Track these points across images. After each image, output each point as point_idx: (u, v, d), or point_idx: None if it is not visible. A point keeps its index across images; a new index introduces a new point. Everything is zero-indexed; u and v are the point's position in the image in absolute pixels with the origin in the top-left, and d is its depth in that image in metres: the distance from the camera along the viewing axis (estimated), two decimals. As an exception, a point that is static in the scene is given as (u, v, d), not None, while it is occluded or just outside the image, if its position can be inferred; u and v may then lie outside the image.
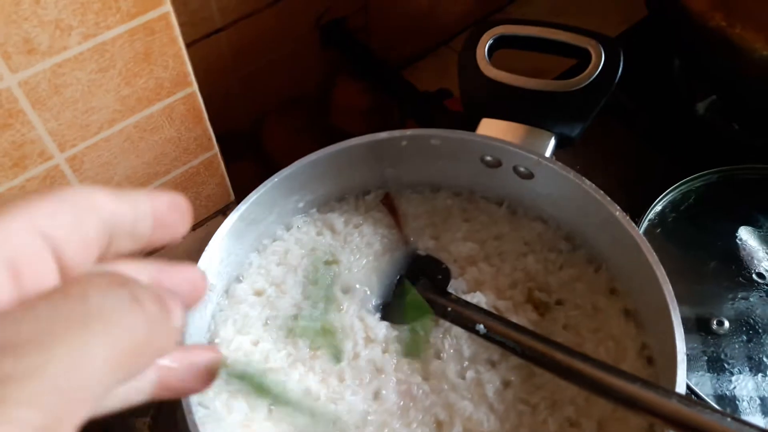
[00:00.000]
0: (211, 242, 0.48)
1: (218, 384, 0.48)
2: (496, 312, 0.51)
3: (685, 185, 0.66)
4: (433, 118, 0.80)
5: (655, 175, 0.71)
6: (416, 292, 0.51)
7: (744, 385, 0.55)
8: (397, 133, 0.53)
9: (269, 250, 0.55)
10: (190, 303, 0.28)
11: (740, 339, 0.57)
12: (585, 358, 0.42)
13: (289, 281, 0.53)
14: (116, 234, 0.25)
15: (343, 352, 0.49)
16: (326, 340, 0.50)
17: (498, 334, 0.46)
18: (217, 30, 0.76)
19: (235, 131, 0.83)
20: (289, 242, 0.56)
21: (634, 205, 0.60)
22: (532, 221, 0.57)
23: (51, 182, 0.48)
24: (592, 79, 0.53)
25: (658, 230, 0.64)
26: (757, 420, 0.54)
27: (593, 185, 0.49)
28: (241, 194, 0.54)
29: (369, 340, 0.51)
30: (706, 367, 0.57)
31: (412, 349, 0.50)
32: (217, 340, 0.50)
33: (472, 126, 0.56)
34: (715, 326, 0.58)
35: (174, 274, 0.28)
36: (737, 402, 0.55)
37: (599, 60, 0.53)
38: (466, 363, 0.49)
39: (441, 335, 0.51)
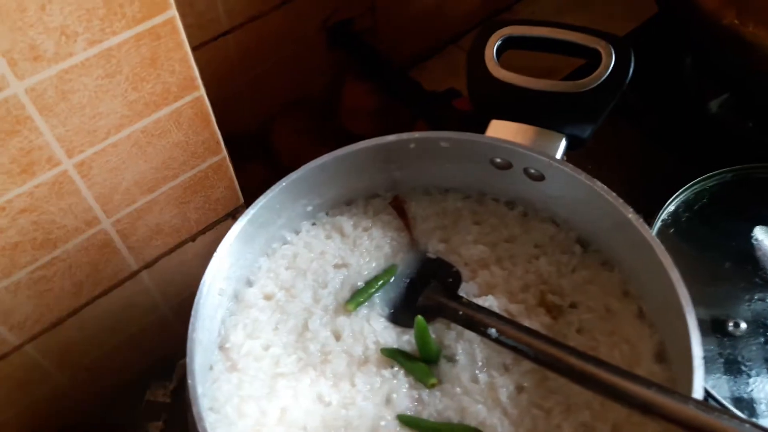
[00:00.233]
0: (220, 246, 0.48)
1: (229, 388, 0.48)
2: (508, 316, 0.50)
3: (698, 185, 0.65)
4: (442, 119, 0.79)
5: (667, 175, 0.71)
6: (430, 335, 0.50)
7: (762, 388, 0.55)
8: (405, 135, 0.52)
9: (278, 254, 0.55)
10: None
11: (757, 341, 0.56)
12: (599, 362, 0.42)
13: (299, 285, 0.53)
14: None
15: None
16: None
17: (510, 338, 0.46)
18: (224, 32, 0.75)
19: (243, 133, 0.82)
20: (298, 246, 0.56)
21: (647, 206, 0.59)
22: (543, 223, 0.56)
23: (59, 188, 0.48)
24: (602, 79, 0.52)
25: (672, 231, 0.63)
26: (776, 423, 0.53)
27: (605, 187, 0.48)
28: (249, 197, 0.54)
29: (380, 345, 0.50)
30: (722, 369, 0.56)
31: (427, 353, 0.50)
32: (227, 345, 0.49)
33: (482, 128, 0.55)
34: (731, 328, 0.57)
35: None
36: (755, 405, 0.54)
37: (609, 60, 0.52)
38: (479, 367, 0.49)
39: (453, 339, 0.50)
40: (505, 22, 0.56)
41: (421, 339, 0.50)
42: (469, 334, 0.50)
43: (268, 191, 0.50)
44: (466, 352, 0.50)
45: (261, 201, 0.50)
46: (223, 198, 0.61)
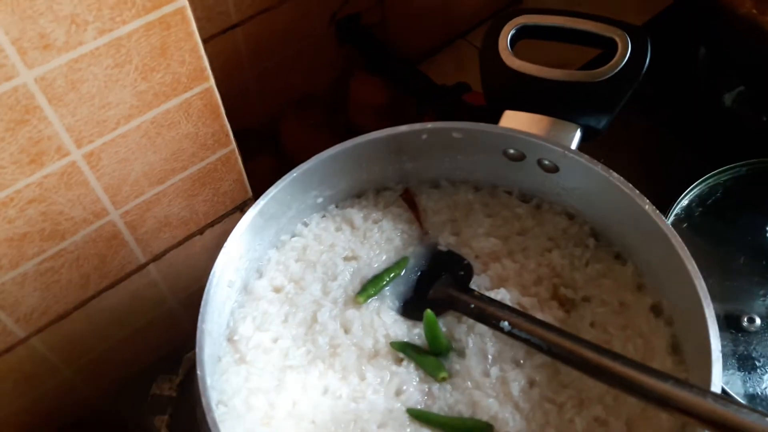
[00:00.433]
0: (231, 236, 0.48)
1: (237, 381, 0.48)
2: (520, 309, 0.50)
3: (712, 179, 0.64)
4: (452, 113, 0.79)
5: (680, 168, 0.70)
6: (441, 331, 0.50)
7: (776, 384, 0.54)
8: (417, 126, 0.52)
9: (288, 246, 0.55)
10: None
11: (772, 336, 0.56)
12: (615, 355, 0.41)
13: (309, 277, 0.53)
14: None
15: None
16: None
17: (524, 331, 0.45)
18: (233, 26, 0.75)
19: (251, 128, 0.82)
20: (308, 238, 0.55)
21: (659, 200, 0.58)
22: (556, 216, 0.55)
23: (68, 179, 0.48)
24: (618, 69, 0.51)
25: (685, 225, 0.62)
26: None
27: (621, 178, 0.48)
28: (257, 192, 0.54)
29: (389, 338, 0.50)
30: (736, 365, 0.55)
31: (437, 347, 0.50)
32: (236, 337, 0.49)
33: (494, 119, 0.55)
34: (746, 323, 0.56)
35: None
36: (769, 401, 0.53)
37: (626, 50, 0.51)
38: (491, 361, 0.48)
39: (464, 333, 0.50)
40: (519, 11, 0.55)
41: (431, 333, 0.49)
42: (480, 328, 0.49)
43: (280, 181, 0.49)
44: (477, 345, 0.49)
45: (272, 191, 0.49)
46: (232, 191, 0.61)
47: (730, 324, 0.57)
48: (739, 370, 0.55)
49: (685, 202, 0.63)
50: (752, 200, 0.64)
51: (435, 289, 0.53)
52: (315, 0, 0.80)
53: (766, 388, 0.54)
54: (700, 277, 0.42)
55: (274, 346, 0.49)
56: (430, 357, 0.49)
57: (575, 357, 0.42)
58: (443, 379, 0.48)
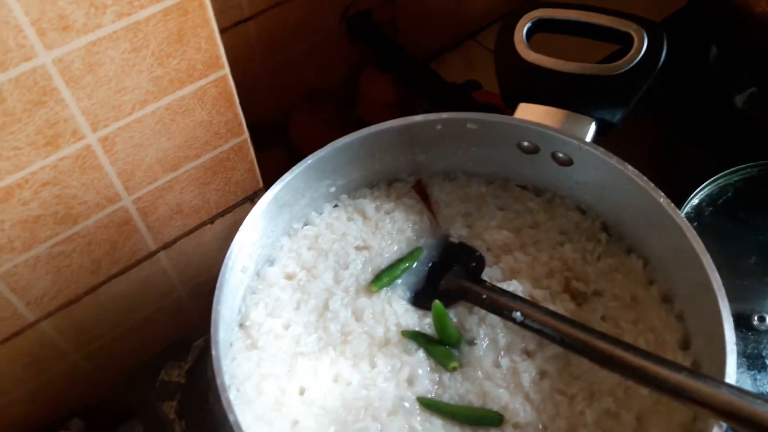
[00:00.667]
0: (247, 219, 0.48)
1: (249, 366, 0.48)
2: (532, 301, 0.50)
3: (723, 179, 0.64)
4: (461, 111, 0.79)
5: (690, 168, 0.70)
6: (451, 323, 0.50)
7: (786, 383, 0.54)
8: (432, 116, 0.52)
9: (300, 234, 0.55)
10: None
11: (783, 336, 0.56)
12: (628, 346, 0.41)
13: (320, 266, 0.53)
14: None
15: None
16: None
17: (536, 322, 0.45)
18: (245, 19, 0.75)
19: (262, 122, 0.82)
20: (320, 227, 0.55)
21: (670, 199, 0.58)
22: (568, 210, 0.56)
23: (83, 163, 0.48)
24: (634, 63, 0.51)
25: (695, 224, 0.62)
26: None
27: (637, 171, 0.48)
28: (267, 184, 0.54)
29: (400, 327, 0.50)
30: (746, 364, 0.55)
31: (446, 337, 0.50)
32: (247, 323, 0.49)
33: (509, 111, 0.55)
34: (756, 322, 0.56)
35: None
36: (779, 399, 0.53)
37: (641, 44, 0.51)
38: (502, 352, 0.48)
39: (476, 324, 0.50)
40: (535, 4, 0.55)
41: (440, 323, 0.49)
42: (492, 319, 0.49)
43: (295, 167, 0.50)
44: (489, 336, 0.49)
45: (287, 177, 0.49)
46: (243, 181, 0.61)
47: (740, 323, 0.56)
48: (749, 369, 0.55)
49: (695, 201, 0.63)
50: (763, 201, 0.64)
51: (447, 279, 0.53)
52: (327, -5, 0.80)
53: (775, 387, 0.54)
54: (715, 269, 0.42)
55: (285, 332, 0.49)
56: (441, 347, 0.49)
57: (588, 347, 0.42)
58: (454, 369, 0.48)
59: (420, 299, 0.52)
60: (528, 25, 0.55)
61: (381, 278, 0.52)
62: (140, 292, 0.61)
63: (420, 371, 0.48)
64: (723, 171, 0.64)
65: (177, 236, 0.60)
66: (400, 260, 0.53)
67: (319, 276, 0.52)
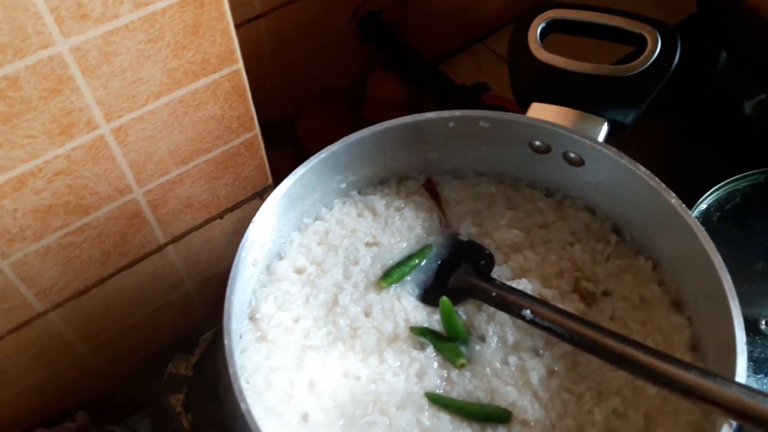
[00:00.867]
0: (260, 211, 0.48)
1: (258, 358, 0.48)
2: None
3: (731, 185, 0.65)
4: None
5: (699, 173, 0.70)
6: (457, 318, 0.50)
7: (793, 387, 0.54)
8: (445, 113, 0.52)
9: (310, 230, 0.55)
10: None
11: (791, 340, 0.56)
12: (637, 344, 0.41)
13: (330, 261, 0.53)
14: None
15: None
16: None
17: (546, 320, 0.45)
18: (256, 16, 0.76)
19: (271, 120, 0.82)
20: (331, 222, 0.56)
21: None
22: (579, 211, 0.56)
23: (95, 153, 0.48)
24: (648, 64, 0.51)
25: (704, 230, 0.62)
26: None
27: (648, 171, 0.48)
28: (276, 182, 0.54)
29: (409, 323, 0.50)
30: (752, 368, 0.55)
31: (454, 334, 0.50)
32: (257, 315, 0.49)
33: (521, 111, 0.55)
34: (763, 326, 0.56)
35: None
36: (786, 404, 0.53)
37: (655, 45, 0.52)
38: (510, 350, 0.48)
39: (484, 321, 0.50)
40: (549, 5, 0.56)
41: (448, 320, 0.50)
42: (501, 317, 0.50)
43: (308, 161, 0.50)
44: (497, 334, 0.49)
45: (300, 171, 0.49)
46: (253, 176, 0.61)
47: (747, 327, 0.56)
48: (755, 373, 0.55)
49: (703, 206, 0.63)
50: (770, 207, 0.64)
51: (456, 277, 0.53)
52: (338, -6, 0.80)
53: (781, 391, 0.54)
54: (725, 269, 0.43)
55: (295, 326, 0.49)
56: (449, 343, 0.49)
57: (598, 345, 0.43)
58: (462, 366, 0.48)
59: (429, 296, 0.52)
60: (542, 25, 0.55)
61: (391, 274, 0.52)
62: (148, 286, 0.61)
63: (428, 367, 0.48)
64: (731, 177, 0.64)
65: (186, 230, 0.60)
66: (409, 257, 0.54)
67: (328, 271, 0.53)
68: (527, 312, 0.46)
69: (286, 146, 0.84)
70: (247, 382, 0.45)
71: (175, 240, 0.60)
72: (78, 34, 0.41)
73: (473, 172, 0.59)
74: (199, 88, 0.50)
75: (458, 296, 0.51)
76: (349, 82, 0.90)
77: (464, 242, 0.55)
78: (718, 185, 0.64)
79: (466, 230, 0.56)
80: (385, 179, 0.59)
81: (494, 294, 0.49)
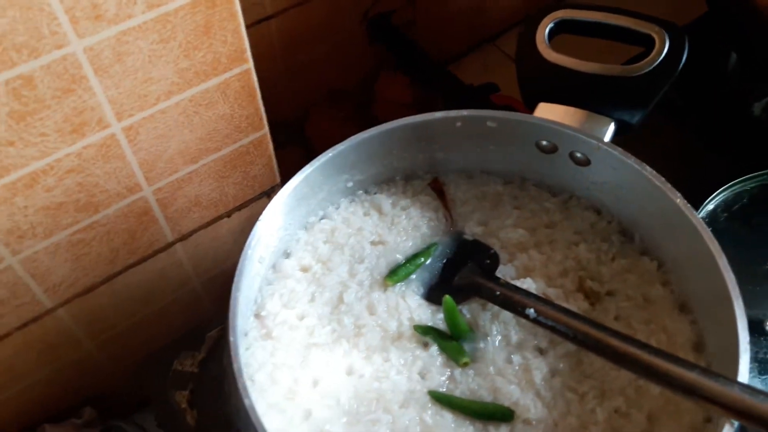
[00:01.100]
0: (267, 209, 0.48)
1: (263, 355, 0.48)
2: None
3: (738, 185, 0.65)
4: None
5: (706, 174, 0.70)
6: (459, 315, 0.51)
7: (797, 389, 0.54)
8: (453, 113, 0.52)
9: (317, 228, 0.55)
10: None
11: (796, 341, 0.56)
12: (641, 344, 0.41)
13: (336, 259, 0.54)
14: None
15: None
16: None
17: (550, 319, 0.46)
18: (267, 17, 0.76)
19: (280, 120, 0.83)
20: (337, 221, 0.56)
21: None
22: (584, 211, 0.56)
23: (106, 151, 0.49)
24: (655, 65, 0.52)
25: (710, 229, 0.62)
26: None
27: (654, 171, 0.48)
28: (284, 182, 0.55)
29: (413, 321, 0.50)
30: (757, 369, 0.55)
31: (458, 332, 0.50)
32: (263, 313, 0.50)
33: (529, 110, 0.55)
34: (768, 328, 0.56)
35: None
36: (790, 406, 0.53)
37: (663, 46, 0.52)
38: (514, 349, 0.49)
39: (488, 320, 0.50)
40: (557, 6, 0.56)
41: (451, 318, 0.50)
42: (505, 316, 0.50)
43: (315, 160, 0.50)
44: (501, 333, 0.50)
45: (307, 169, 0.50)
46: (261, 175, 0.61)
47: (752, 328, 0.56)
48: (760, 374, 0.55)
49: (710, 206, 0.63)
50: (778, 208, 0.64)
51: (461, 275, 0.53)
52: (348, -4, 0.81)
53: (786, 393, 0.54)
54: (730, 269, 0.43)
55: (300, 323, 0.50)
56: (453, 342, 0.49)
57: (602, 345, 0.43)
58: (465, 365, 0.48)
59: (433, 295, 0.53)
60: (550, 25, 0.55)
61: (397, 272, 0.52)
62: (156, 283, 0.62)
63: (432, 365, 0.48)
64: (739, 177, 0.64)
65: (194, 228, 0.61)
66: (415, 255, 0.54)
67: (334, 269, 0.53)
68: (531, 311, 0.47)
69: (294, 146, 0.84)
70: (252, 379, 0.46)
71: (183, 238, 0.61)
72: (92, 35, 0.42)
73: (480, 171, 0.59)
74: (209, 87, 0.51)
75: (463, 295, 0.52)
76: (358, 83, 0.90)
77: (469, 241, 0.56)
78: (726, 186, 0.64)
79: (472, 229, 0.56)
80: (392, 178, 0.59)
81: (498, 293, 0.49)
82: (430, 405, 0.47)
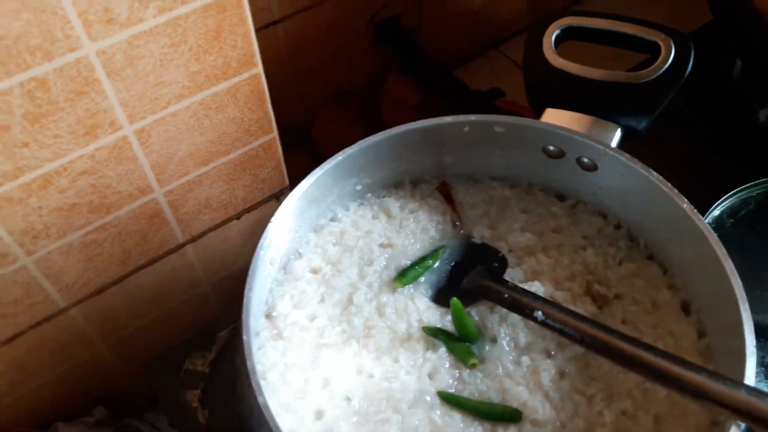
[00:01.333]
0: (278, 211, 0.49)
1: (274, 355, 0.49)
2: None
3: (744, 192, 0.65)
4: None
5: (712, 180, 0.70)
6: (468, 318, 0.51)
7: (803, 393, 0.54)
8: (461, 117, 0.53)
9: (326, 230, 0.56)
10: None
11: (801, 346, 0.56)
12: (648, 347, 0.42)
13: (345, 261, 0.54)
14: None
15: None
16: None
17: (557, 321, 0.46)
18: (274, 21, 0.77)
19: (287, 123, 0.83)
20: (346, 224, 0.56)
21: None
22: (591, 216, 0.56)
23: (118, 153, 0.49)
24: (661, 71, 0.52)
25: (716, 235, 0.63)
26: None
27: (661, 177, 0.49)
28: (292, 185, 0.55)
29: (422, 323, 0.51)
30: (763, 373, 0.56)
31: (465, 334, 0.50)
32: (274, 313, 0.50)
33: (535, 116, 0.56)
34: (774, 332, 0.57)
35: None
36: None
37: (669, 53, 0.52)
38: (522, 351, 0.49)
39: (497, 322, 0.51)
40: (561, 13, 0.56)
41: (458, 320, 0.50)
42: (513, 318, 0.50)
43: (325, 164, 0.51)
44: (510, 335, 0.50)
45: (317, 173, 0.50)
46: (270, 178, 0.62)
47: (758, 333, 0.56)
48: (766, 378, 0.55)
49: (716, 212, 0.64)
50: (783, 215, 0.64)
51: (469, 278, 0.54)
52: (355, 0, 0.81)
53: (792, 398, 0.54)
54: (736, 274, 0.43)
55: (310, 324, 0.50)
56: (461, 343, 0.50)
57: (609, 347, 0.43)
58: (473, 366, 0.49)
59: (442, 297, 0.53)
60: (557, 32, 0.56)
61: (406, 274, 0.53)
62: (167, 284, 0.62)
63: (441, 367, 0.49)
64: (745, 184, 0.65)
65: (204, 230, 0.61)
66: (423, 258, 0.54)
67: (343, 271, 0.53)
68: (539, 313, 0.47)
69: (302, 149, 0.85)
70: (264, 379, 0.46)
71: (193, 239, 0.61)
72: (104, 38, 0.43)
73: (488, 176, 0.59)
74: (219, 91, 0.51)
75: (471, 297, 0.52)
76: (364, 86, 0.91)
77: (478, 245, 0.56)
78: (732, 192, 0.65)
79: (480, 233, 0.57)
80: (400, 182, 0.59)
81: (506, 295, 0.49)
82: (439, 405, 0.47)
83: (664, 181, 0.49)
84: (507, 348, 0.49)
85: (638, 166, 0.49)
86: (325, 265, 0.54)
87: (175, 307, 0.65)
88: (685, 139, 0.75)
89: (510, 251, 0.55)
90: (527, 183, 0.59)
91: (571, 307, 0.49)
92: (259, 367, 0.47)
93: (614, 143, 0.53)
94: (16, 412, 0.61)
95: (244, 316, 0.42)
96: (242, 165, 0.58)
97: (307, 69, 0.83)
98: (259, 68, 0.52)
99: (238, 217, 0.63)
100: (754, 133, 0.74)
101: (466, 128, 0.54)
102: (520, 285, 0.51)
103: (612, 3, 0.95)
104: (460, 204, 0.58)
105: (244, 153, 0.58)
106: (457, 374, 0.49)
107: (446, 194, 0.58)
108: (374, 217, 0.57)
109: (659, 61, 0.53)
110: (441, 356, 0.49)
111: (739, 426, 0.39)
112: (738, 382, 0.38)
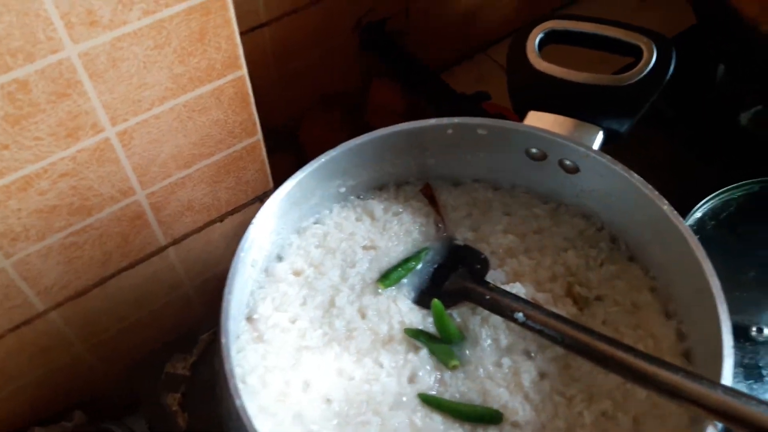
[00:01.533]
0: (259, 213, 0.49)
1: (255, 358, 0.48)
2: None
3: (726, 194, 0.66)
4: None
5: (694, 182, 0.71)
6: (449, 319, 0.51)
7: (782, 394, 0.55)
8: (444, 120, 0.53)
9: (309, 233, 0.56)
10: None
11: (780, 347, 0.57)
12: (627, 348, 0.42)
13: (328, 263, 0.54)
14: None
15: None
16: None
17: (538, 323, 0.46)
18: (260, 24, 0.77)
19: (272, 126, 0.83)
20: (329, 226, 0.57)
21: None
22: (573, 217, 0.57)
23: (100, 155, 0.49)
24: (643, 74, 0.53)
25: (697, 237, 0.63)
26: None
27: (642, 179, 0.49)
28: (278, 186, 0.55)
29: (404, 325, 0.51)
30: (742, 374, 0.56)
31: (447, 336, 0.51)
32: (255, 316, 0.50)
33: (519, 119, 0.56)
34: (754, 333, 0.57)
35: None
36: (775, 410, 0.54)
37: (651, 56, 0.53)
38: (503, 352, 0.49)
39: (478, 324, 0.51)
40: (548, 16, 0.57)
41: (440, 322, 0.51)
42: (494, 320, 0.50)
43: (308, 165, 0.51)
44: (491, 337, 0.50)
45: (300, 175, 0.50)
46: (254, 181, 0.62)
47: (738, 334, 0.57)
48: (745, 379, 0.56)
49: (698, 214, 0.64)
50: (764, 216, 0.65)
51: (451, 280, 0.54)
52: (342, 4, 0.81)
53: (771, 398, 0.55)
54: (715, 275, 0.44)
55: (291, 326, 0.50)
56: (443, 345, 0.50)
57: (589, 348, 0.43)
58: (454, 367, 0.49)
59: (424, 299, 0.53)
60: (540, 35, 0.56)
61: (388, 276, 0.53)
62: (148, 287, 0.62)
63: (422, 369, 0.49)
64: (726, 186, 0.65)
65: (187, 233, 0.61)
66: (406, 260, 0.55)
67: (326, 273, 0.53)
68: (520, 315, 0.47)
69: (286, 152, 0.85)
70: (243, 382, 0.46)
71: (175, 242, 0.61)
72: (87, 40, 0.43)
73: (471, 178, 0.60)
74: (203, 93, 0.51)
75: (453, 299, 0.52)
76: (351, 91, 0.91)
77: (460, 246, 0.56)
78: (713, 194, 0.65)
79: (463, 235, 0.57)
80: (384, 184, 0.60)
81: (488, 297, 0.50)
82: (419, 407, 0.47)
83: (645, 183, 0.49)
84: (488, 349, 0.49)
85: (619, 168, 0.50)
86: (308, 267, 0.54)
87: (157, 309, 0.65)
88: (667, 142, 0.76)
89: (492, 253, 0.56)
90: (510, 185, 0.59)
91: (552, 309, 0.49)
92: (238, 370, 0.47)
93: (596, 146, 0.53)
94: (-6, 415, 0.60)
95: (222, 318, 0.42)
96: (226, 167, 0.58)
97: (294, 72, 0.83)
98: (244, 71, 0.52)
99: (221, 219, 0.63)
100: (736, 136, 0.75)
101: (450, 131, 0.54)
102: (502, 286, 0.52)
103: (605, 7, 0.95)
104: (443, 206, 0.58)
105: (228, 155, 0.58)
106: (439, 376, 0.49)
107: (430, 196, 0.58)
108: (357, 219, 0.57)
109: (641, 64, 0.53)
110: (422, 358, 0.49)
111: (716, 426, 0.39)
112: (715, 382, 0.39)
